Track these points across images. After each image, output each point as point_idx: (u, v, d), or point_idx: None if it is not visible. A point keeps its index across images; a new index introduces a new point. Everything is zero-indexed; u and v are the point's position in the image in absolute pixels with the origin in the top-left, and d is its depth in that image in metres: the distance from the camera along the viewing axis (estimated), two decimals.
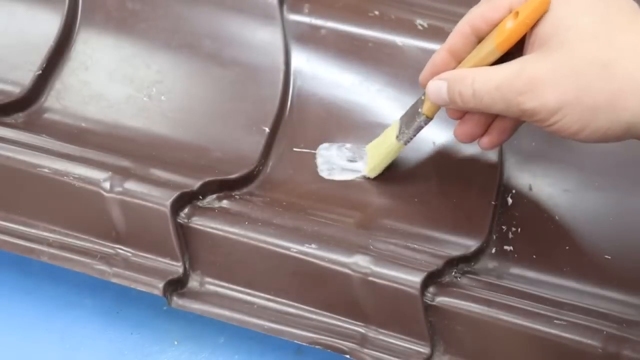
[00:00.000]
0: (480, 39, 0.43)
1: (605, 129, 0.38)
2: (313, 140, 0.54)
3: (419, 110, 0.48)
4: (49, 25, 0.56)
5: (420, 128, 0.48)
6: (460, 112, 0.47)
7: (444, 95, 0.44)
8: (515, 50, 0.42)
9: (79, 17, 0.57)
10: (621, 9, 0.39)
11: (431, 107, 0.47)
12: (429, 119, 0.48)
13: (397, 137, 0.49)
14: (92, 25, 0.57)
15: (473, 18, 0.43)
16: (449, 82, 0.43)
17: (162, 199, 0.48)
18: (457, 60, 0.45)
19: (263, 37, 0.56)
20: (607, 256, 0.50)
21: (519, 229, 0.51)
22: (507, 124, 0.47)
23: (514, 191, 0.52)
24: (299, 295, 0.48)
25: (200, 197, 0.50)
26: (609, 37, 0.37)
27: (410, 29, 0.55)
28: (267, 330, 0.47)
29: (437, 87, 0.44)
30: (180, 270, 0.48)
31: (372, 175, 0.52)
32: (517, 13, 0.41)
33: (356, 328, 0.47)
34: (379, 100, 0.55)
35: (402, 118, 0.50)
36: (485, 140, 0.48)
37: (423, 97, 0.47)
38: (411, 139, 0.49)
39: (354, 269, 0.46)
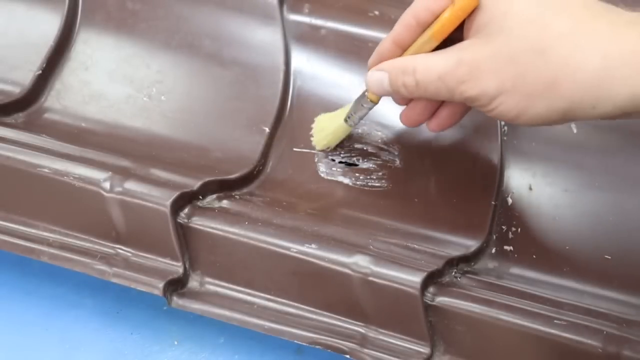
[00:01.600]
0: (423, 29, 0.44)
1: (543, 115, 0.39)
2: None
3: (365, 94, 0.49)
4: (49, 25, 0.56)
5: (365, 113, 0.50)
6: (406, 99, 0.48)
7: (386, 86, 0.44)
8: (456, 36, 0.42)
9: (79, 17, 0.57)
10: None
11: (375, 95, 0.48)
12: (374, 104, 0.49)
13: (345, 119, 0.51)
14: (92, 25, 0.57)
15: (417, 10, 0.43)
16: (390, 74, 0.44)
17: (162, 199, 0.48)
18: (402, 49, 0.45)
19: (263, 37, 0.56)
20: (607, 256, 0.50)
21: (519, 229, 0.51)
22: (455, 108, 0.47)
23: (514, 191, 0.53)
24: (299, 295, 0.48)
25: (200, 197, 0.50)
26: (544, 21, 0.37)
27: None
28: (267, 330, 0.47)
29: (378, 78, 0.45)
30: (180, 270, 0.48)
31: (319, 148, 0.53)
32: (453, 2, 0.41)
33: (356, 328, 0.47)
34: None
35: (354, 102, 0.51)
36: (434, 123, 0.48)
37: (366, 91, 0.49)
38: (357, 122, 0.51)
39: (354, 269, 0.46)
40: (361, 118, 0.51)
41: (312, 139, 0.53)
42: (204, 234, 0.48)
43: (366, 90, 0.49)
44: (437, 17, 0.43)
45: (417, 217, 0.51)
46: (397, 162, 0.53)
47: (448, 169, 0.53)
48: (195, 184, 0.49)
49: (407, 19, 0.44)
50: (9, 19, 0.57)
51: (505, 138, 0.53)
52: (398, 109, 0.53)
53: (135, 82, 0.56)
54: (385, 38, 0.46)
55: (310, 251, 0.47)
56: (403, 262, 0.46)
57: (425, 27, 0.43)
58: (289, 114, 0.55)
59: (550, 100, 0.38)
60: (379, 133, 0.54)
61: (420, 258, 0.48)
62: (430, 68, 0.41)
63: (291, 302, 0.48)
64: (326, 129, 0.53)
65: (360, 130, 0.54)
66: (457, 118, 0.48)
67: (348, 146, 0.54)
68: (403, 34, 0.44)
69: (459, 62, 0.40)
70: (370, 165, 0.53)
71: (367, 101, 0.49)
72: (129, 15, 0.57)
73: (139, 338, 0.52)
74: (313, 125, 0.54)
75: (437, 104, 0.48)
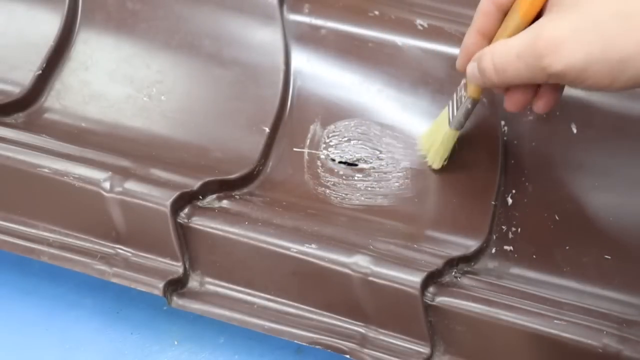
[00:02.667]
0: (505, 14, 0.43)
1: (637, 77, 0.38)
2: None
3: (463, 94, 0.48)
4: (49, 25, 0.56)
5: (469, 111, 0.48)
6: (513, 98, 0.46)
7: (477, 74, 0.43)
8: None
9: (79, 17, 0.57)
10: None
11: (474, 88, 0.47)
12: (475, 100, 0.47)
13: (449, 123, 0.49)
14: (92, 25, 0.57)
15: None
16: (478, 62, 0.43)
17: (162, 199, 0.48)
18: (488, 39, 0.44)
19: (263, 37, 0.56)
20: (607, 256, 0.50)
21: (519, 229, 0.51)
22: (553, 85, 0.45)
23: (514, 191, 0.52)
24: (299, 295, 0.48)
25: (200, 197, 0.50)
26: None
27: (410, 29, 0.55)
28: (267, 330, 0.47)
29: (471, 69, 0.44)
30: (180, 270, 0.48)
31: (437, 166, 0.52)
32: None
33: (356, 328, 0.47)
34: (379, 100, 0.55)
35: (449, 105, 0.50)
36: (540, 104, 0.45)
37: (464, 81, 0.47)
38: (463, 123, 0.49)
39: (354, 269, 0.46)
40: (467, 118, 0.49)
41: (426, 160, 0.52)
42: (204, 234, 0.48)
43: (463, 88, 0.47)
44: None
45: (417, 217, 0.51)
46: (397, 161, 0.53)
47: (448, 168, 0.52)
48: (195, 184, 0.49)
49: (486, 7, 0.43)
50: (9, 19, 0.57)
51: (505, 138, 0.53)
52: (398, 110, 0.53)
53: (135, 82, 0.56)
54: (468, 30, 0.44)
55: (310, 251, 0.47)
56: (403, 262, 0.46)
57: (505, 10, 0.42)
58: (289, 114, 0.55)
59: None
60: (379, 133, 0.54)
61: (420, 258, 0.48)
62: (509, 48, 0.40)
63: (291, 302, 0.48)
64: (435, 143, 0.51)
65: (360, 131, 0.54)
66: (559, 92, 0.45)
67: (348, 146, 0.54)
68: (486, 23, 0.43)
69: (537, 36, 0.38)
70: (370, 165, 0.53)
71: (467, 99, 0.47)
72: (129, 15, 0.57)
73: (139, 338, 0.52)
74: (419, 147, 0.53)
75: (535, 85, 0.45)
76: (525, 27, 0.41)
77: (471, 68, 0.44)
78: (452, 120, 0.49)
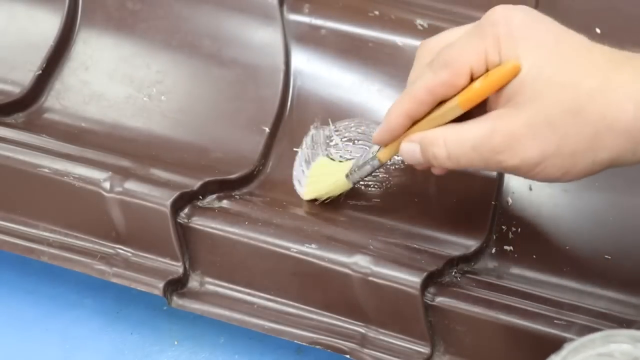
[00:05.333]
0: (439, 102, 0.42)
1: (588, 169, 0.39)
2: None
3: (374, 153, 0.47)
4: (49, 25, 0.56)
5: (369, 172, 0.48)
6: (442, 169, 0.46)
7: (419, 157, 0.43)
8: (474, 107, 0.41)
9: (79, 17, 0.57)
10: (573, 45, 0.39)
11: (386, 154, 0.46)
12: (381, 163, 0.47)
13: (347, 175, 0.49)
14: (92, 25, 0.57)
15: (433, 86, 0.41)
16: (422, 145, 0.43)
17: (162, 199, 0.48)
18: (413, 120, 0.44)
19: (263, 37, 0.56)
20: (607, 256, 0.50)
21: (519, 229, 0.51)
22: None
23: (514, 191, 0.53)
24: (299, 295, 0.48)
25: (200, 197, 0.50)
26: (574, 82, 0.38)
27: (410, 29, 0.55)
28: (267, 330, 0.47)
29: (410, 150, 0.43)
30: (180, 270, 0.48)
31: (306, 197, 0.52)
32: (486, 75, 0.40)
33: (356, 328, 0.47)
34: (379, 100, 0.55)
35: (355, 161, 0.49)
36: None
37: (375, 151, 0.47)
38: (358, 181, 0.49)
39: (354, 269, 0.46)
40: (363, 177, 0.49)
41: (303, 185, 0.52)
42: (204, 234, 0.48)
43: (376, 150, 0.47)
44: (459, 91, 0.41)
45: (417, 217, 0.51)
46: (397, 162, 0.53)
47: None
48: (195, 184, 0.49)
49: (421, 95, 0.42)
50: (9, 19, 0.57)
51: None
52: None
53: (135, 82, 0.56)
54: (394, 112, 0.44)
55: (310, 251, 0.47)
56: (403, 262, 0.46)
57: (442, 100, 0.42)
58: (289, 114, 0.55)
59: (595, 153, 0.38)
60: None
61: (420, 258, 0.48)
62: (463, 139, 0.40)
63: (291, 302, 0.48)
64: (324, 180, 0.51)
65: (360, 131, 0.54)
66: None
67: (348, 146, 0.54)
68: (419, 110, 0.43)
69: (492, 131, 0.39)
70: None
71: (375, 159, 0.47)
72: (129, 15, 0.57)
73: (139, 338, 0.52)
74: (310, 169, 0.52)
75: None
76: (459, 114, 0.41)
77: (409, 148, 0.43)
78: (352, 174, 0.49)
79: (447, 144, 0.41)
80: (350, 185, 0.50)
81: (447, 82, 0.41)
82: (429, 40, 0.44)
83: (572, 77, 0.38)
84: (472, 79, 0.40)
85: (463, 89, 0.41)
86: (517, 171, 0.40)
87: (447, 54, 0.41)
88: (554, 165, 0.39)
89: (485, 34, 0.39)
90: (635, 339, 0.35)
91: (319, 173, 0.52)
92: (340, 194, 0.51)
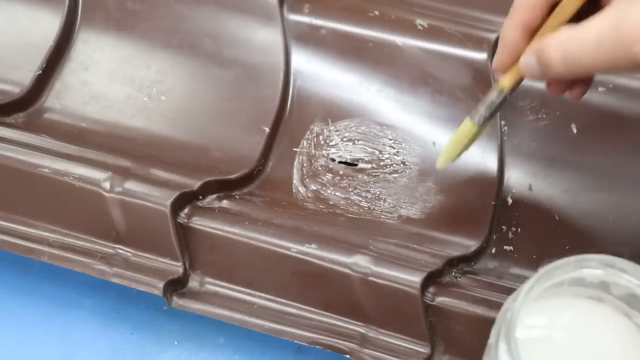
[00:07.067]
0: (552, 6, 0.39)
1: None
2: None
3: (494, 86, 0.42)
4: (49, 25, 0.56)
5: (494, 104, 0.42)
6: (558, 86, 0.43)
7: (535, 69, 0.39)
8: (582, 10, 0.38)
9: (79, 17, 0.57)
10: None
11: (508, 78, 0.41)
12: (507, 91, 0.41)
13: (471, 117, 0.42)
14: (92, 25, 0.57)
15: None
16: (537, 54, 0.39)
17: (162, 199, 0.48)
18: (532, 35, 0.40)
19: (263, 37, 0.56)
20: None
21: (519, 229, 0.51)
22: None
23: (514, 191, 0.53)
24: (299, 295, 0.48)
25: (200, 197, 0.50)
26: None
27: (410, 29, 0.55)
28: (267, 330, 0.47)
29: (528, 64, 0.40)
30: (180, 270, 0.48)
31: (440, 164, 0.46)
32: None
33: (356, 328, 0.47)
34: (379, 100, 0.55)
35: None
36: (576, 92, 0.43)
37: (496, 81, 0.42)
38: (486, 117, 0.42)
39: (354, 269, 0.46)
40: (491, 112, 0.42)
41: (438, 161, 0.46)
42: (204, 234, 0.48)
43: (497, 82, 0.42)
44: None
45: (417, 217, 0.51)
46: (397, 162, 0.53)
47: (448, 168, 0.52)
48: (195, 184, 0.49)
49: (536, 2, 0.39)
50: (9, 19, 0.57)
51: (505, 138, 0.53)
52: (398, 110, 0.53)
53: (135, 82, 0.56)
54: (508, 28, 0.40)
55: (310, 251, 0.47)
56: (403, 262, 0.46)
57: (553, 4, 0.39)
58: (289, 114, 0.55)
59: None
60: (379, 133, 0.54)
61: (420, 258, 0.48)
62: (583, 36, 0.36)
63: (291, 302, 0.48)
64: (449, 142, 0.45)
65: (360, 131, 0.54)
66: (590, 83, 0.43)
67: (348, 146, 0.54)
68: (534, 17, 0.39)
69: (620, 20, 0.35)
70: (370, 166, 0.53)
71: (498, 91, 0.41)
72: (129, 15, 0.57)
73: (139, 338, 0.52)
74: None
75: None
76: (577, 9, 0.38)
77: (526, 62, 0.40)
78: (475, 113, 0.43)
79: (564, 45, 0.37)
80: (476, 128, 0.43)
81: None
82: None
83: None
84: None
85: None
86: None
87: None
88: None
89: None
90: (606, 264, 0.35)
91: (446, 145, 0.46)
92: (469, 142, 0.44)
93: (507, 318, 0.35)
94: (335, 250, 0.47)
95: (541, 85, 0.55)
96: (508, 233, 0.51)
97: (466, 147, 0.44)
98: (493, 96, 0.41)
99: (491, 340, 0.37)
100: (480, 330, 0.46)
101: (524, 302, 0.35)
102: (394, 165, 0.53)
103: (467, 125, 0.43)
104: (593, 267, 0.35)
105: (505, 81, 0.41)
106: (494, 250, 0.51)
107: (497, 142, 0.53)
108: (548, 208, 0.52)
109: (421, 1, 0.57)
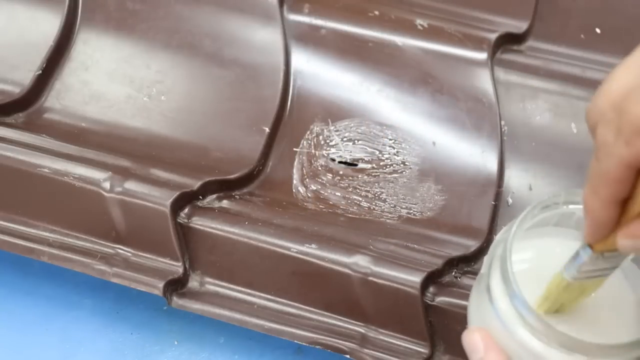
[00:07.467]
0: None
1: None
2: None
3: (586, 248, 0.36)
4: (49, 25, 0.56)
5: (583, 263, 0.36)
6: None
7: (638, 247, 0.34)
8: None
9: (79, 17, 0.57)
10: None
11: (602, 247, 0.36)
12: (590, 248, 0.36)
13: (563, 270, 0.37)
14: (92, 25, 0.57)
15: (630, 160, 0.33)
16: (637, 239, 0.34)
17: (162, 199, 0.48)
18: (621, 203, 0.35)
19: (263, 37, 0.56)
20: None
21: None
22: None
23: (514, 191, 0.52)
24: (299, 295, 0.48)
25: (200, 197, 0.50)
26: None
27: (410, 29, 0.55)
28: (267, 330, 0.47)
29: (629, 245, 0.35)
30: (180, 270, 0.48)
31: (541, 310, 0.38)
32: None
33: (356, 328, 0.47)
34: (379, 100, 0.55)
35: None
36: None
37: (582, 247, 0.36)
38: (576, 277, 0.37)
39: (354, 269, 0.46)
40: (582, 272, 0.36)
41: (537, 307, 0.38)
42: (204, 234, 0.48)
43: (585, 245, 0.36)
44: None
45: (417, 217, 0.51)
46: (397, 162, 0.53)
47: (448, 169, 0.53)
48: (195, 184, 0.49)
49: (620, 174, 0.34)
50: (9, 19, 0.57)
51: (505, 138, 0.53)
52: (398, 110, 0.53)
53: (135, 82, 0.56)
54: (593, 206, 0.35)
55: (310, 251, 0.47)
56: (403, 262, 0.46)
57: None
58: (289, 114, 0.55)
59: None
60: (379, 133, 0.54)
61: (420, 258, 0.48)
62: None
63: (291, 302, 0.48)
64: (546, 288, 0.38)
65: (360, 131, 0.54)
66: None
67: (348, 146, 0.54)
68: (622, 191, 0.35)
69: None
70: (370, 166, 0.53)
71: (584, 248, 0.36)
72: (129, 15, 0.57)
73: (139, 338, 0.52)
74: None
75: None
76: None
77: (629, 244, 0.35)
78: (567, 268, 0.36)
79: None
80: (567, 280, 0.37)
81: None
82: (606, 93, 0.34)
83: None
84: None
85: None
86: None
87: (635, 113, 0.32)
88: None
89: None
90: None
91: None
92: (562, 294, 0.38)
93: (502, 245, 0.35)
94: (335, 250, 0.47)
95: (541, 85, 0.55)
96: None
97: (561, 299, 0.38)
98: (584, 259, 0.36)
99: (483, 270, 0.37)
100: None
101: (519, 229, 0.36)
102: (394, 165, 0.53)
103: (559, 276, 0.37)
104: (581, 203, 0.35)
105: (599, 247, 0.36)
106: None
107: (497, 142, 0.53)
108: None
109: (421, 1, 0.57)
